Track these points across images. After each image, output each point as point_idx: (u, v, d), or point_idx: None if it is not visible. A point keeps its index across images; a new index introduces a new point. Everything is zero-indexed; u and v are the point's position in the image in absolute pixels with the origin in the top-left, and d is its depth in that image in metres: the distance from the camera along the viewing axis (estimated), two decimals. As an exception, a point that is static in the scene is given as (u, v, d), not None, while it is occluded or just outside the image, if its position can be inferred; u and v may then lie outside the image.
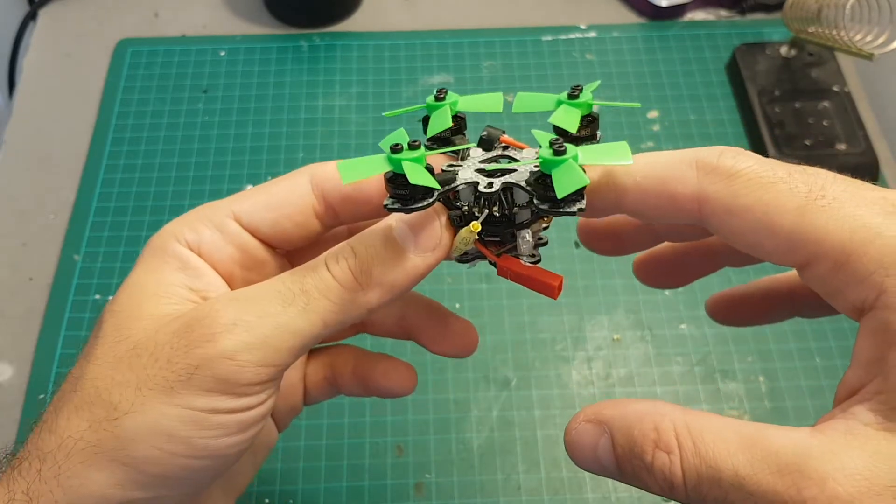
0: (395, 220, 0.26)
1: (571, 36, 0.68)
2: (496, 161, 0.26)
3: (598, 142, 0.25)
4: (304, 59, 0.66)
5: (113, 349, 0.26)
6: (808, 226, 0.21)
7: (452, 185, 0.25)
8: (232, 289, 0.29)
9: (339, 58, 0.66)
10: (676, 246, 0.30)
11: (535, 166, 0.24)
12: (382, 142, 0.24)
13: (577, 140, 0.25)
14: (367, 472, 0.47)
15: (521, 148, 0.27)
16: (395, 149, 0.24)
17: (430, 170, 0.24)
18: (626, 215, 0.25)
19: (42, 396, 0.49)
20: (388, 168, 0.24)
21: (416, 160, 0.23)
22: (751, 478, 0.20)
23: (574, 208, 0.23)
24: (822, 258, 0.21)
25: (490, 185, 0.25)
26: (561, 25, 0.68)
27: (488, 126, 0.27)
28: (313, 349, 0.36)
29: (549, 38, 0.68)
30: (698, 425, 0.21)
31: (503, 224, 0.26)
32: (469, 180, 0.25)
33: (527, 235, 0.26)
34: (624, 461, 0.23)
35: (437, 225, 0.26)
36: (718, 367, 0.51)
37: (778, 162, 0.22)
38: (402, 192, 0.24)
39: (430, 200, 0.24)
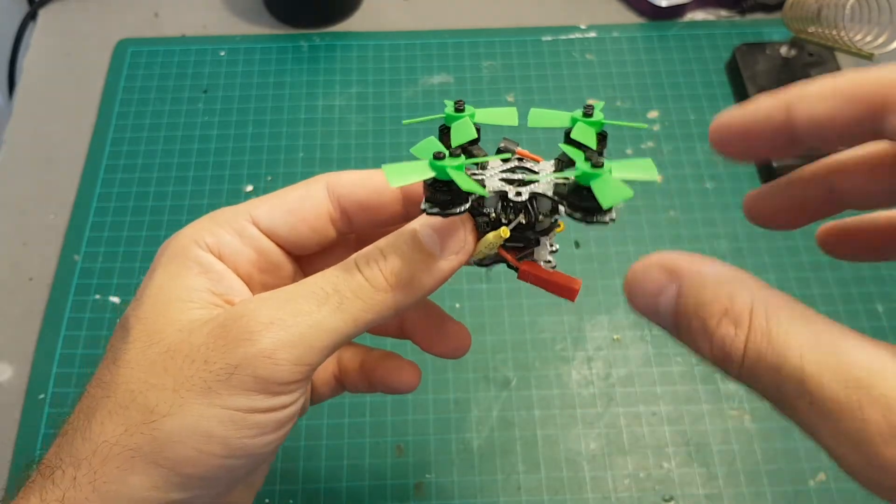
0: (420, 224, 0.27)
1: (571, 36, 0.68)
2: (514, 171, 0.27)
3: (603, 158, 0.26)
4: (304, 59, 0.66)
5: (145, 353, 0.26)
6: None
7: (481, 195, 0.26)
8: (252, 292, 0.30)
9: (339, 58, 0.66)
10: (796, 179, 0.28)
11: (563, 179, 0.26)
12: (415, 149, 0.25)
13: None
14: (368, 472, 0.47)
15: (537, 160, 0.28)
16: (438, 156, 0.25)
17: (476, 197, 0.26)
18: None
19: (42, 396, 0.49)
20: (431, 174, 0.25)
21: (459, 167, 0.24)
22: (814, 378, 0.19)
23: (606, 218, 0.24)
24: None
25: (518, 193, 0.26)
26: (561, 25, 0.68)
27: (505, 139, 0.28)
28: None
29: (549, 38, 0.68)
30: (776, 307, 0.20)
31: (524, 230, 0.27)
32: (497, 189, 0.27)
33: (547, 242, 0.28)
34: (684, 317, 0.22)
35: (462, 230, 0.27)
36: (718, 367, 0.51)
37: None
38: (442, 198, 0.25)
39: (466, 206, 0.26)
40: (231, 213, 0.30)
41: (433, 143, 0.25)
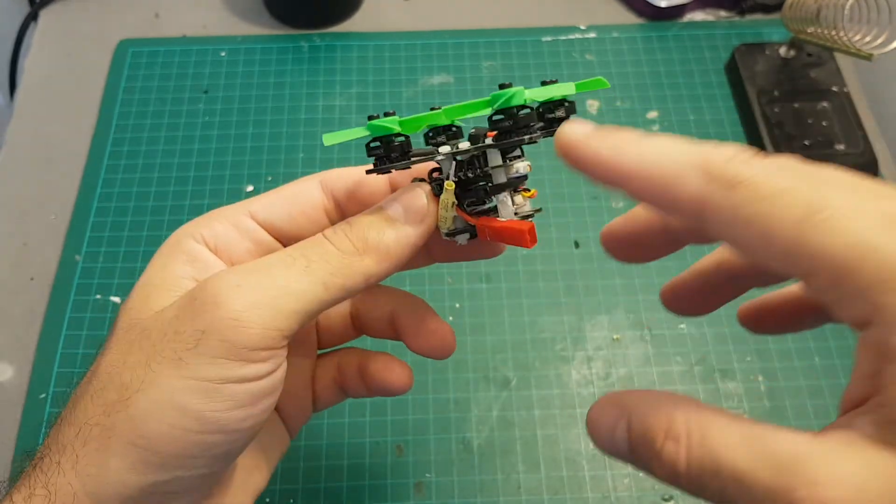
0: (387, 199, 0.28)
1: (571, 36, 0.68)
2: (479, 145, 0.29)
3: (534, 132, 0.27)
4: (305, 60, 0.66)
5: (125, 336, 0.27)
6: (806, 241, 0.21)
7: (429, 153, 0.28)
8: None
9: (339, 58, 0.66)
10: (700, 273, 0.31)
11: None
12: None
13: (560, 122, 0.28)
14: (367, 472, 0.47)
15: None
16: (372, 118, 0.27)
17: (407, 146, 0.28)
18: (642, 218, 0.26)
19: (43, 396, 0.50)
20: (365, 133, 0.27)
21: (390, 122, 0.26)
22: (748, 473, 0.21)
23: (525, 137, 0.26)
24: (819, 272, 0.21)
25: (460, 150, 0.28)
26: (560, 26, 0.68)
27: (475, 127, 0.29)
28: (320, 354, 0.37)
29: (549, 38, 0.68)
30: (708, 419, 0.22)
31: (481, 188, 0.28)
32: (446, 152, 0.28)
33: (504, 198, 0.28)
34: (636, 445, 0.24)
35: (422, 195, 0.28)
36: (718, 366, 0.51)
37: (789, 166, 0.22)
38: (378, 153, 0.27)
39: (403, 163, 0.27)
40: (229, 208, 0.30)
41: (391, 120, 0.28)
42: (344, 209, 0.31)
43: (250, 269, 0.26)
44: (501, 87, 0.25)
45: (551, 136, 0.26)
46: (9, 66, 0.70)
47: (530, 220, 0.28)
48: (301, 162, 0.60)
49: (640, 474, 0.47)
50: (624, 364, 0.51)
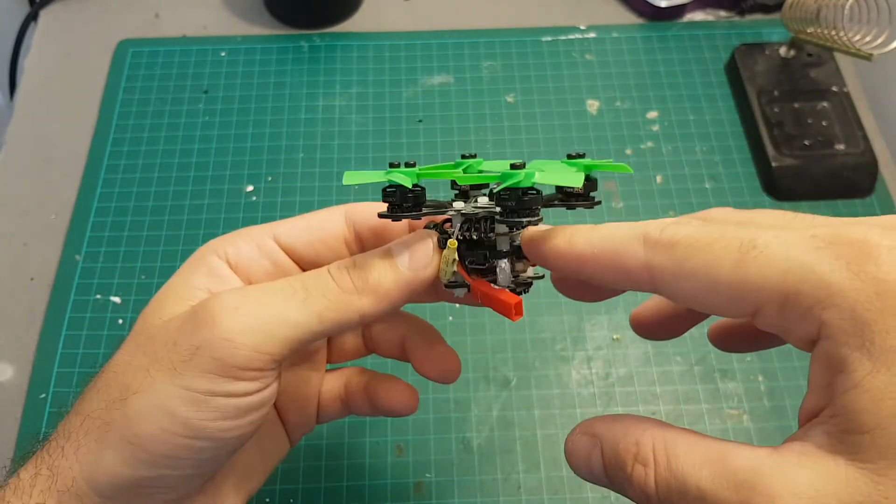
0: (396, 242, 0.29)
1: (571, 36, 0.68)
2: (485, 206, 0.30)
3: (594, 201, 0.29)
4: (305, 60, 0.66)
5: (134, 340, 0.28)
6: (746, 277, 0.22)
7: (440, 207, 0.29)
8: None
9: (339, 58, 0.66)
10: (664, 302, 0.32)
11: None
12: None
13: (577, 197, 0.29)
14: (367, 472, 0.47)
15: None
16: (393, 165, 0.28)
17: (421, 197, 0.28)
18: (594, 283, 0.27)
19: (42, 396, 0.50)
20: (383, 178, 0.27)
21: (408, 174, 0.27)
22: (711, 492, 0.21)
23: (524, 220, 0.26)
24: (765, 304, 0.22)
25: (473, 209, 0.29)
26: (560, 26, 0.68)
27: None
28: (329, 370, 0.38)
29: (549, 38, 0.68)
30: (673, 441, 0.23)
31: (481, 252, 0.29)
32: (458, 209, 0.29)
33: (504, 265, 0.29)
34: (610, 472, 0.25)
35: (429, 245, 0.29)
36: (717, 366, 0.51)
37: (718, 220, 0.24)
38: (393, 201, 0.28)
39: (417, 213, 0.28)
40: (257, 228, 0.32)
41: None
42: (364, 242, 0.32)
43: (251, 293, 0.27)
44: (513, 166, 0.26)
45: (570, 209, 0.29)
46: (9, 66, 0.70)
47: (528, 288, 0.30)
48: (301, 162, 0.60)
49: (640, 474, 0.47)
50: (624, 364, 0.51)
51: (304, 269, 0.32)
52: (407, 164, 0.29)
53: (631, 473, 0.23)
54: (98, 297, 0.54)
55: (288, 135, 0.62)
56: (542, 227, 0.27)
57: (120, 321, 0.53)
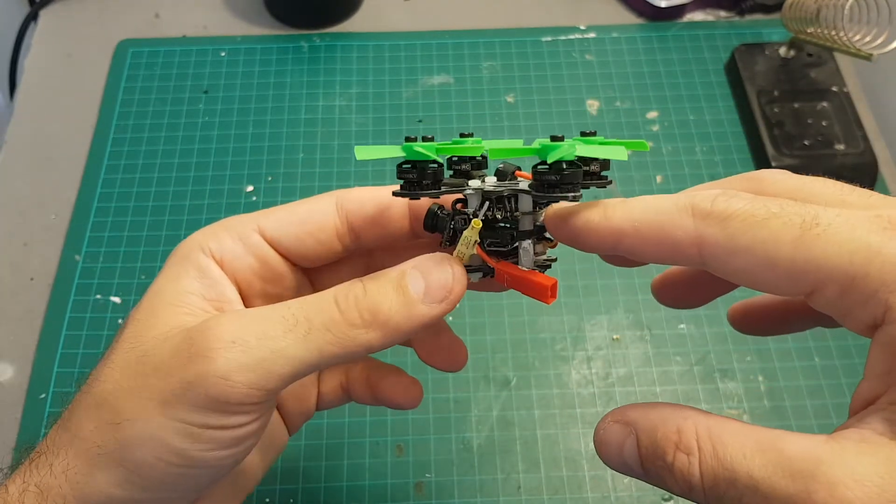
0: (411, 266, 0.26)
1: (571, 36, 0.68)
2: (503, 183, 0.28)
3: (608, 182, 0.27)
4: (305, 60, 0.66)
5: (126, 356, 0.27)
6: (808, 256, 0.21)
7: (460, 186, 0.27)
8: (247, 301, 0.30)
9: (339, 58, 0.66)
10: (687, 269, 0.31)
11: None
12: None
13: (591, 175, 0.27)
14: (368, 472, 0.47)
15: (528, 178, 0.28)
16: (409, 139, 0.26)
17: (440, 174, 0.26)
18: (629, 257, 0.26)
19: (42, 396, 0.50)
20: (399, 154, 0.25)
21: (428, 148, 0.25)
22: (765, 480, 0.21)
23: (570, 195, 0.24)
24: (826, 285, 0.21)
25: (496, 187, 0.27)
26: (560, 26, 0.68)
27: (504, 162, 0.28)
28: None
29: (549, 38, 0.68)
30: (718, 429, 0.22)
31: (507, 232, 0.27)
32: (477, 187, 0.27)
33: (528, 246, 0.27)
34: (647, 461, 0.24)
35: (449, 273, 0.26)
36: (717, 366, 0.51)
37: (771, 191, 0.23)
38: (410, 178, 0.26)
39: (437, 191, 0.26)
40: (240, 220, 0.30)
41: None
42: (359, 233, 0.31)
43: (248, 325, 0.25)
44: (553, 138, 0.25)
45: (585, 188, 0.26)
46: (9, 66, 0.70)
47: (546, 270, 0.28)
48: (301, 162, 0.60)
49: (640, 474, 0.47)
50: (624, 364, 0.51)
51: (292, 263, 0.31)
52: (424, 139, 0.26)
53: (672, 462, 0.22)
54: (98, 297, 0.54)
55: (288, 135, 0.62)
56: (564, 203, 0.26)
57: (120, 321, 0.52)
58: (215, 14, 0.69)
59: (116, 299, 0.53)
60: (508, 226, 0.27)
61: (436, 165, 0.26)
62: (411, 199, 0.27)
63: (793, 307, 0.31)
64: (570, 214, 0.25)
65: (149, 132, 0.62)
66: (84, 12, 0.69)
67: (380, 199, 0.30)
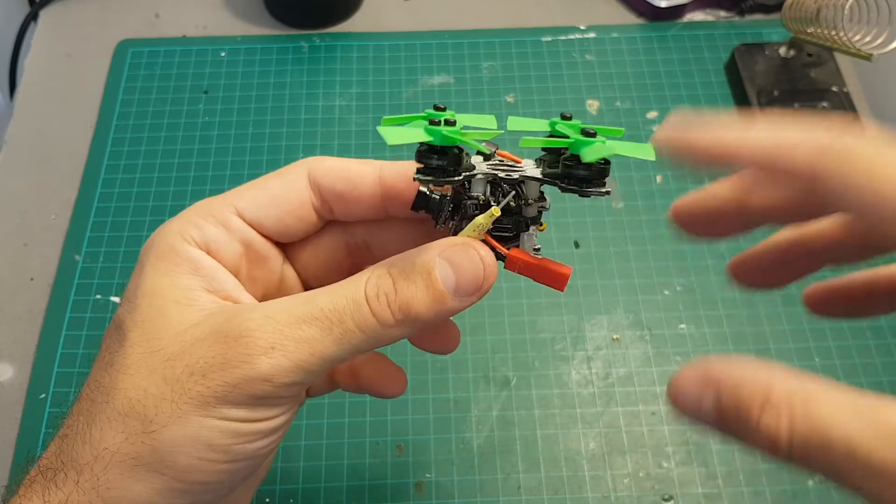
0: (439, 258, 0.26)
1: (571, 37, 0.68)
2: (498, 167, 0.28)
3: (605, 186, 0.27)
4: (305, 60, 0.66)
5: (146, 360, 0.26)
6: None
7: (473, 172, 0.27)
8: (242, 284, 0.30)
9: (339, 58, 0.66)
10: (772, 247, 0.30)
11: (539, 168, 0.27)
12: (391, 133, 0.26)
13: (587, 182, 0.27)
14: (368, 472, 0.47)
15: (517, 161, 0.28)
16: (434, 122, 0.26)
17: (460, 160, 0.26)
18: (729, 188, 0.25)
19: (42, 396, 0.50)
20: (427, 138, 0.25)
21: (454, 132, 0.25)
22: (863, 447, 0.20)
23: (603, 189, 0.25)
24: None
25: (509, 174, 0.26)
26: (560, 26, 0.68)
27: (486, 141, 0.28)
28: None
29: (549, 38, 0.68)
30: (812, 388, 0.21)
31: (514, 215, 0.27)
32: (486, 172, 0.27)
33: (533, 232, 0.27)
34: (727, 417, 0.23)
35: (480, 268, 0.26)
36: (717, 366, 0.51)
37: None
38: (437, 164, 0.26)
39: (458, 178, 0.26)
40: (215, 204, 0.29)
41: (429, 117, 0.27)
42: (332, 208, 0.31)
43: (284, 325, 0.25)
44: (585, 133, 0.25)
45: (583, 196, 0.27)
46: (9, 66, 0.70)
47: (539, 254, 0.28)
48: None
49: (640, 474, 0.47)
50: (624, 364, 0.51)
51: (272, 242, 0.30)
52: (447, 122, 0.26)
53: (759, 421, 0.22)
54: (98, 297, 0.54)
55: (288, 135, 0.62)
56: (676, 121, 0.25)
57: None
58: (215, 14, 0.69)
59: (116, 299, 0.53)
60: (516, 215, 0.27)
61: (457, 150, 0.26)
62: (434, 185, 0.27)
63: (873, 289, 0.30)
64: (686, 125, 0.25)
65: (149, 132, 0.62)
66: (84, 12, 0.69)
67: (349, 175, 0.30)
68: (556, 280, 0.27)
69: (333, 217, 0.31)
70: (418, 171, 0.26)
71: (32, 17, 0.69)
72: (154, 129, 0.62)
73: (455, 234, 0.28)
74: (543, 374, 0.51)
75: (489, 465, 0.48)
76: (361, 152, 0.60)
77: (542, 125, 0.27)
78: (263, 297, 0.31)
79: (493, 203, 0.27)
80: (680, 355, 0.52)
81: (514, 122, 0.27)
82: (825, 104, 0.61)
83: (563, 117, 0.27)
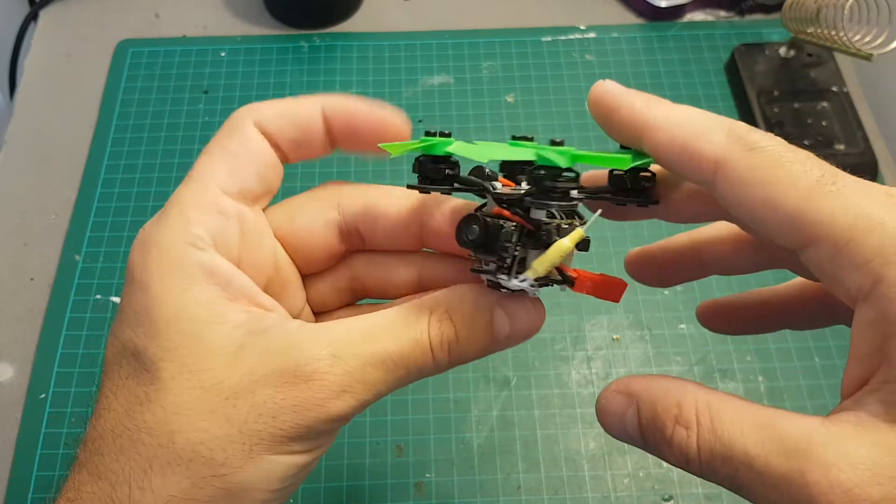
0: (497, 308, 0.27)
1: (571, 37, 0.68)
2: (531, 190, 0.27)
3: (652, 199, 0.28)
4: (305, 60, 0.66)
5: (200, 397, 0.25)
6: (814, 207, 0.21)
7: (471, 185, 0.27)
8: (244, 270, 0.28)
9: (339, 58, 0.66)
10: (669, 246, 0.31)
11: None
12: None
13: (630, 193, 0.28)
14: (368, 472, 0.47)
15: (514, 185, 0.28)
16: (430, 133, 0.26)
17: (456, 167, 0.27)
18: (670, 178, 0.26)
19: (42, 396, 0.50)
20: (423, 144, 0.26)
21: (445, 143, 0.26)
22: (759, 458, 0.21)
23: (656, 198, 0.27)
24: (822, 241, 0.21)
25: (569, 197, 0.26)
26: (560, 26, 0.68)
27: (481, 168, 0.28)
28: (322, 314, 0.35)
29: (549, 38, 0.68)
30: (718, 404, 0.23)
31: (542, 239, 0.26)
32: (530, 191, 0.26)
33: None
34: (647, 432, 0.24)
35: (534, 319, 0.27)
36: (717, 366, 0.51)
37: (804, 150, 0.23)
38: (432, 175, 0.26)
39: (448, 187, 0.27)
40: (197, 193, 0.27)
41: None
42: (337, 138, 0.29)
43: (353, 370, 0.25)
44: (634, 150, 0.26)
45: (620, 204, 0.28)
46: (9, 65, 0.70)
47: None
48: (300, 162, 0.60)
49: (641, 474, 0.47)
50: (624, 364, 0.51)
51: (258, 203, 0.29)
52: (442, 134, 0.27)
53: (671, 436, 0.23)
54: (98, 297, 0.54)
55: (288, 135, 0.62)
56: (611, 83, 0.26)
57: (120, 321, 0.52)
58: (215, 14, 0.69)
59: (116, 299, 0.53)
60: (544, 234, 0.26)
61: (454, 161, 0.27)
62: (423, 192, 0.27)
63: (765, 307, 0.31)
64: (616, 92, 0.26)
65: (149, 132, 0.62)
66: (84, 12, 0.69)
67: (298, 118, 0.29)
68: (617, 291, 0.27)
69: (334, 147, 0.30)
70: (419, 177, 0.27)
71: (32, 16, 0.69)
72: (154, 129, 0.62)
73: (513, 265, 0.26)
74: (543, 374, 0.51)
75: (489, 465, 0.48)
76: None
77: (527, 153, 0.27)
78: (266, 284, 0.29)
79: (569, 225, 0.25)
80: (680, 355, 0.52)
81: (491, 151, 0.27)
82: (825, 104, 0.61)
83: (554, 143, 0.27)
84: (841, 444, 0.20)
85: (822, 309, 0.30)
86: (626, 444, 0.48)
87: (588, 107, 0.27)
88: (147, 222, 0.28)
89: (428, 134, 0.27)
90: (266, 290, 0.29)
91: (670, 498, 0.47)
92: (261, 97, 0.63)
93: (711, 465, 0.22)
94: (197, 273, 0.26)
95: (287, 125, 0.28)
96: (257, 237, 0.29)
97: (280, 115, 0.28)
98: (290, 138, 0.28)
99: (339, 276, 0.32)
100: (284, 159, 0.29)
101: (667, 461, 0.24)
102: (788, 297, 0.31)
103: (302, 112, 0.29)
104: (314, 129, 0.29)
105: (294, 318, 0.31)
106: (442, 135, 0.27)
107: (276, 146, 0.28)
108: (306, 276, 0.32)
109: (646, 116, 0.25)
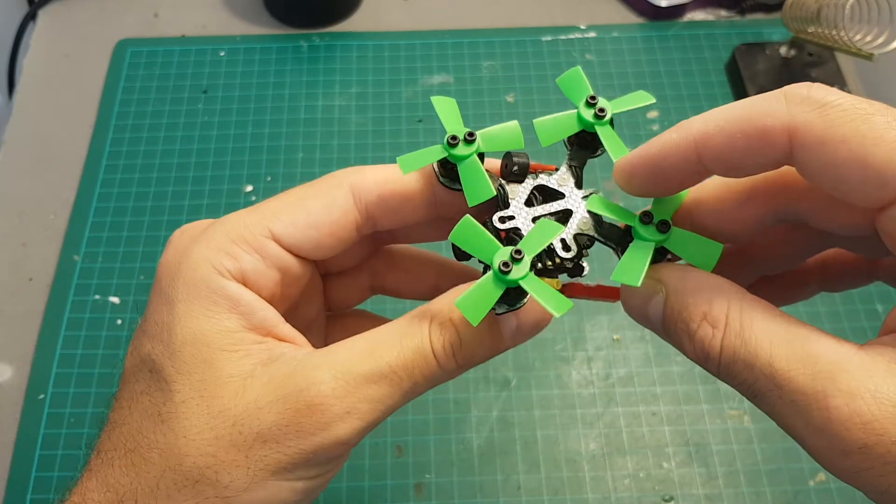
0: (507, 320, 0.26)
1: (571, 36, 0.68)
2: (537, 198, 0.28)
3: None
4: (304, 60, 0.66)
5: (208, 424, 0.25)
6: None
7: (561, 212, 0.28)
8: (275, 306, 0.28)
9: (338, 58, 0.66)
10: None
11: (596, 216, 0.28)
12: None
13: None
14: (367, 473, 0.47)
15: (551, 169, 0.29)
16: (453, 142, 0.26)
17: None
18: (704, 172, 0.24)
19: (41, 396, 0.49)
20: (443, 155, 0.26)
21: (470, 155, 0.26)
22: (783, 372, 0.21)
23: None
24: None
25: (567, 248, 0.27)
26: (560, 26, 0.68)
27: (513, 155, 0.28)
28: (334, 316, 0.36)
29: (549, 38, 0.68)
30: (751, 311, 0.22)
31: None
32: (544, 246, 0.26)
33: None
34: (670, 322, 0.24)
35: (542, 315, 0.27)
36: (718, 367, 0.51)
37: (877, 102, 0.22)
38: (452, 175, 0.27)
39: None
40: (248, 226, 0.27)
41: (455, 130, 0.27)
42: (377, 221, 0.29)
43: (357, 389, 0.25)
44: (590, 104, 0.26)
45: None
46: (7, 65, 0.70)
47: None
48: (300, 162, 0.60)
49: (641, 475, 0.47)
50: (624, 364, 0.51)
51: (305, 260, 0.29)
52: (467, 140, 0.26)
53: (696, 331, 0.22)
54: (97, 297, 0.53)
55: (287, 135, 0.62)
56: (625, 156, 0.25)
57: (118, 321, 0.52)
58: (215, 14, 0.69)
59: (115, 300, 0.53)
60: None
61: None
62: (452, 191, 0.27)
63: (803, 271, 0.30)
64: (639, 152, 0.24)
65: (148, 132, 0.62)
66: (83, 12, 0.69)
67: (401, 186, 0.29)
68: (615, 292, 0.27)
69: (374, 230, 0.30)
70: (442, 175, 0.27)
71: (31, 16, 0.69)
72: (153, 129, 0.62)
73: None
74: (544, 375, 0.51)
75: (489, 465, 0.48)
76: (361, 152, 0.60)
77: (571, 125, 0.28)
78: (289, 308, 0.30)
79: (580, 265, 0.27)
80: (680, 356, 0.52)
81: (545, 133, 0.28)
82: (826, 104, 0.61)
83: (597, 116, 0.27)
84: (871, 376, 0.20)
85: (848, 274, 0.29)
86: (626, 445, 0.48)
87: (620, 183, 0.25)
88: (193, 223, 0.29)
89: (452, 141, 0.26)
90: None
91: (671, 499, 0.47)
92: (260, 97, 0.64)
93: (731, 368, 0.22)
94: (220, 300, 0.26)
95: (389, 195, 0.28)
96: (295, 280, 0.29)
97: (379, 182, 0.28)
98: (389, 207, 0.28)
99: (361, 276, 0.33)
100: (371, 227, 0.29)
101: (684, 353, 0.23)
102: (825, 258, 0.30)
103: (404, 181, 0.28)
104: (417, 197, 0.29)
105: (307, 324, 0.33)
106: (467, 140, 0.27)
107: (368, 214, 0.28)
108: (327, 276, 0.33)
109: (690, 138, 0.23)
